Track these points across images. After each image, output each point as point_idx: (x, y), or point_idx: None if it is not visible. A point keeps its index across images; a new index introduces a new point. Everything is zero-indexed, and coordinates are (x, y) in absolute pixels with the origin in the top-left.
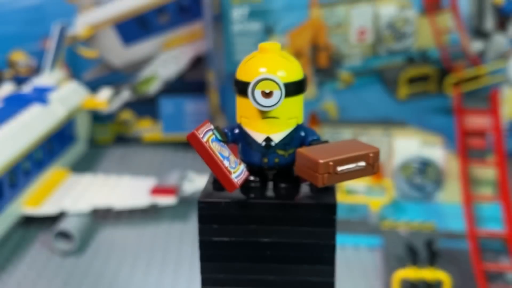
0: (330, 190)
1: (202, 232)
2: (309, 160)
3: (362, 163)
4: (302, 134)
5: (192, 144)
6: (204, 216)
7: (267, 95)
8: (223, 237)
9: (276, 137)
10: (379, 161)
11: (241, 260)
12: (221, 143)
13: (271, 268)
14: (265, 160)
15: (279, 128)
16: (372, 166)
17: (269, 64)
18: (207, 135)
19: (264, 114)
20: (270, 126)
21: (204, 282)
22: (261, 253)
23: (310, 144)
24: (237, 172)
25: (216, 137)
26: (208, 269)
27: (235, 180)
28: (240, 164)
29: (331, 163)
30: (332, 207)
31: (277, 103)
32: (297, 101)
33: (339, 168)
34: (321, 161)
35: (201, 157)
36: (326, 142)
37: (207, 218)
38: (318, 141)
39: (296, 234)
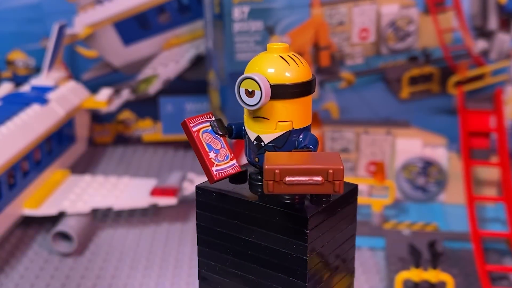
0: (324, 203)
1: (198, 217)
2: (264, 164)
3: (318, 178)
4: (300, 139)
5: (184, 131)
6: (199, 202)
7: (250, 94)
8: (214, 226)
9: (266, 138)
10: (342, 180)
11: (227, 253)
12: (216, 135)
13: (252, 268)
14: (256, 159)
15: (268, 129)
16: (331, 183)
17: (261, 64)
18: (201, 125)
19: (254, 113)
20: (260, 126)
21: (199, 264)
22: (244, 251)
23: (296, 150)
24: (223, 166)
25: (212, 129)
26: (202, 253)
27: (215, 173)
28: (231, 159)
29: (277, 171)
30: (303, 221)
31: (258, 103)
32: (292, 104)
33: (288, 178)
34: (267, 166)
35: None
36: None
37: (202, 204)
38: (305, 148)
39: (271, 239)
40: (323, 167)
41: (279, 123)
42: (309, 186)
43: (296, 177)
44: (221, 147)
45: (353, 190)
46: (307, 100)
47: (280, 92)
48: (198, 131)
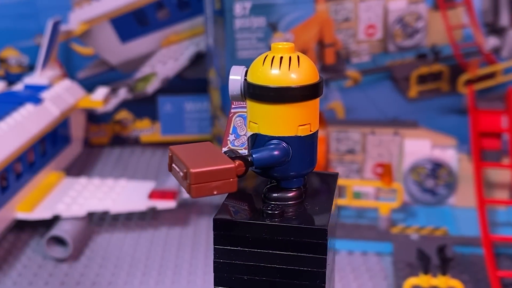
0: (267, 221)
1: None
2: None
3: (181, 174)
4: (263, 145)
5: None
6: None
7: None
8: None
9: (247, 134)
10: (193, 184)
11: None
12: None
13: None
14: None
15: (247, 126)
16: (188, 184)
17: (254, 61)
18: (241, 110)
19: None
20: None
21: None
22: None
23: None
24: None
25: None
26: None
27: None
28: (245, 148)
29: (170, 154)
30: (216, 222)
31: (229, 94)
32: (259, 106)
33: (173, 164)
34: (169, 147)
35: None
36: (246, 158)
37: None
38: (248, 155)
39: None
40: (185, 164)
41: (250, 122)
42: (180, 179)
43: (176, 166)
44: (244, 134)
45: (318, 231)
46: (275, 108)
47: (247, 90)
48: (234, 113)
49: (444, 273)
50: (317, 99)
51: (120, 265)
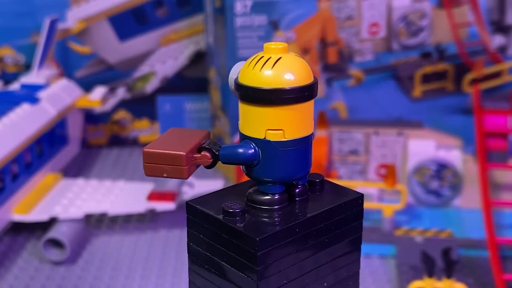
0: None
1: None
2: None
3: None
4: (242, 142)
5: None
6: None
7: None
8: None
9: None
10: (147, 164)
11: None
12: None
13: None
14: None
15: None
16: (143, 161)
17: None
18: None
19: None
20: None
21: None
22: None
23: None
24: None
25: None
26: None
27: None
28: None
29: (155, 147)
30: (187, 205)
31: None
32: (242, 107)
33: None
34: (170, 128)
35: None
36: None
37: None
38: (211, 151)
39: None
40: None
41: (239, 121)
42: None
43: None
44: None
45: (249, 240)
46: (244, 107)
47: (240, 91)
48: None
49: (449, 276)
50: (299, 105)
51: (118, 268)
